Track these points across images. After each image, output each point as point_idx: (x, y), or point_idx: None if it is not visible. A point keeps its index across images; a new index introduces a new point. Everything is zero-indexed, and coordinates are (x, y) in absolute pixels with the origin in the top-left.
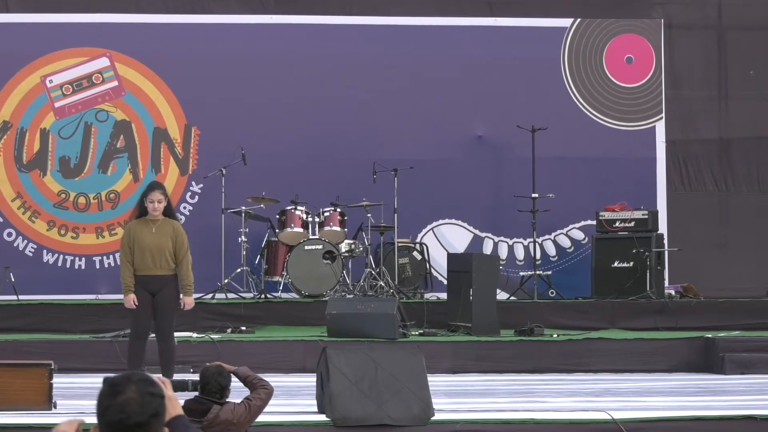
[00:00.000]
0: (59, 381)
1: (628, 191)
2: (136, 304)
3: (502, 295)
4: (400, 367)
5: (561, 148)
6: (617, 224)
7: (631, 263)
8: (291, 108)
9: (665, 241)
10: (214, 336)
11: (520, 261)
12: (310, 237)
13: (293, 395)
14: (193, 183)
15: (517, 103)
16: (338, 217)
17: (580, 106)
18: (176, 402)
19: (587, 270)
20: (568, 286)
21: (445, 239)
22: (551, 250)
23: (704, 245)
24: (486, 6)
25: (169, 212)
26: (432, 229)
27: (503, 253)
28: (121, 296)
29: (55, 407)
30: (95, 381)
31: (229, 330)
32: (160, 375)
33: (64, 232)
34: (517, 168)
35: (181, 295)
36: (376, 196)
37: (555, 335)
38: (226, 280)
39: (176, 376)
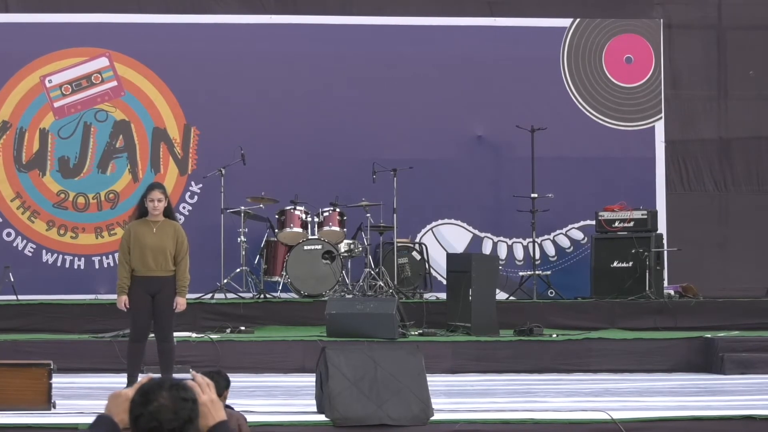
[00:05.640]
0: (58, 381)
1: (627, 191)
2: (128, 306)
3: (501, 295)
4: (399, 367)
5: (560, 148)
6: (616, 224)
7: (631, 263)
8: (290, 108)
9: (665, 241)
10: (214, 336)
11: (520, 261)
12: (310, 237)
13: (293, 395)
14: (193, 183)
15: (516, 103)
16: (337, 217)
17: (580, 106)
18: (219, 406)
19: (586, 270)
20: (567, 286)
21: (445, 239)
22: (550, 250)
23: (704, 245)
24: (486, 6)
25: (169, 213)
26: (431, 229)
27: (502, 253)
28: None
29: (54, 407)
30: (94, 381)
31: (228, 330)
32: (205, 377)
33: (64, 232)
34: (517, 168)
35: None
36: (376, 196)
37: (554, 335)
38: (225, 280)
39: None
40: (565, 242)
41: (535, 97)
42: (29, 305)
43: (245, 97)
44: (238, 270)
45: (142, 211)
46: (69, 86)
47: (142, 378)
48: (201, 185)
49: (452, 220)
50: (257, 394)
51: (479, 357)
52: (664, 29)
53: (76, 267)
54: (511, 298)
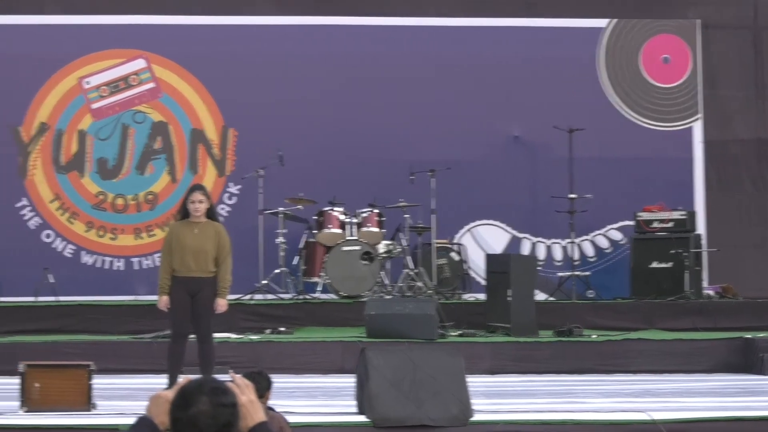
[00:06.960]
0: (98, 382)
1: (665, 192)
2: (169, 307)
3: (540, 296)
4: (439, 368)
5: (598, 148)
6: (655, 225)
7: (670, 264)
8: (328, 109)
9: (703, 242)
10: (253, 337)
11: (558, 261)
12: (348, 238)
13: (332, 396)
14: (231, 184)
15: (553, 104)
16: (376, 218)
17: (617, 107)
18: (259, 407)
19: (625, 270)
20: (606, 286)
21: (483, 240)
22: (589, 250)
23: (743, 245)
24: (523, 6)
25: (211, 214)
26: (470, 229)
27: (541, 253)
28: None
29: (94, 408)
30: (134, 382)
31: (267, 331)
32: (244, 378)
33: (103, 233)
34: (554, 168)
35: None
36: (414, 197)
37: (594, 336)
38: (264, 281)
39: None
40: (603, 243)
41: (571, 98)
42: (69, 306)
43: (283, 98)
44: (277, 271)
45: (184, 213)
46: (106, 88)
47: (181, 379)
48: (239, 186)
49: (490, 221)
50: (297, 395)
51: (519, 358)
52: (701, 29)
53: (115, 268)
54: (550, 298)
